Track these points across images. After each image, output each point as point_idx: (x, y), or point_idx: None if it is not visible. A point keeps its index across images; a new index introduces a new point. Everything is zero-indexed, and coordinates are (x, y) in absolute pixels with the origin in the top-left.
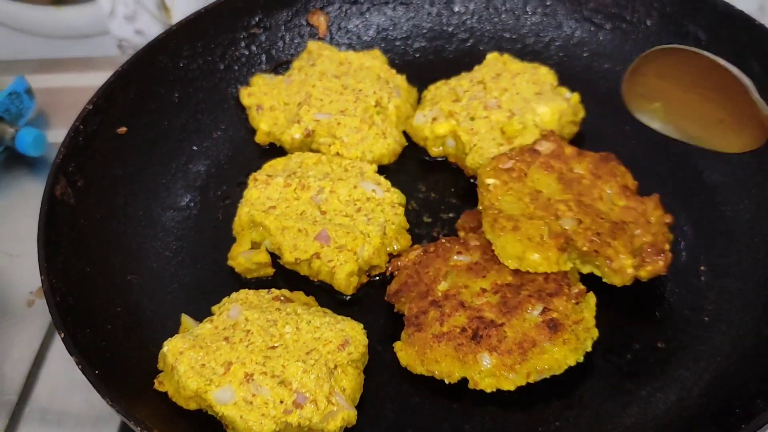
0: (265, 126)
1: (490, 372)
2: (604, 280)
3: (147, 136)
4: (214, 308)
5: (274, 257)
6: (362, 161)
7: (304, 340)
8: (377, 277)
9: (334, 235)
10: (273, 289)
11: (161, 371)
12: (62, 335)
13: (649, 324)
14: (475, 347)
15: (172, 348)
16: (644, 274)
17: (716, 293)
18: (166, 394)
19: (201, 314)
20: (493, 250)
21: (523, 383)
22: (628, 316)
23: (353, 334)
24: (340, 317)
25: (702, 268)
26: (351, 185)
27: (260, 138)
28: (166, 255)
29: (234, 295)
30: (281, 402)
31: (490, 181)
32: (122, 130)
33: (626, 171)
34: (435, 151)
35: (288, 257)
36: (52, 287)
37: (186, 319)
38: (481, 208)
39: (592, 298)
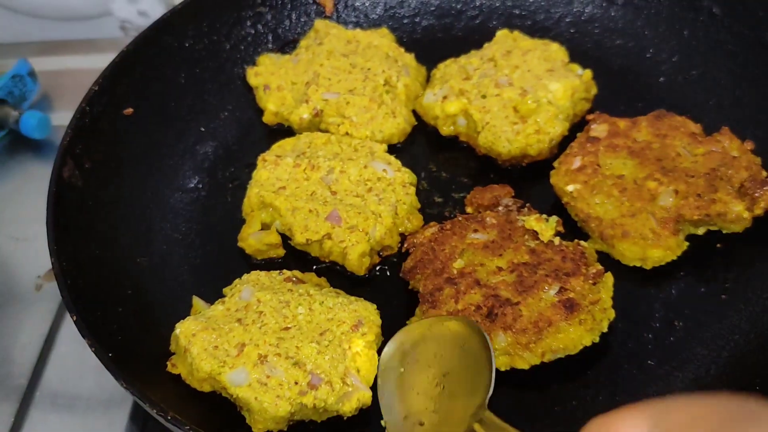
0: (273, 106)
1: (504, 350)
2: (723, 231)
3: (154, 118)
4: (226, 290)
5: (285, 238)
6: (372, 141)
7: (317, 321)
8: (388, 258)
9: (345, 215)
10: (284, 270)
11: (173, 354)
12: (74, 318)
13: (666, 303)
14: (490, 325)
15: (184, 330)
16: (759, 210)
17: (734, 272)
18: (179, 376)
19: (212, 296)
20: (510, 228)
21: (538, 362)
22: (645, 295)
23: (366, 314)
24: (353, 298)
25: (718, 245)
26: (361, 165)
27: (268, 118)
28: (175, 237)
29: (245, 276)
30: (296, 383)
31: (570, 187)
32: (128, 111)
33: (684, 118)
34: (446, 129)
35: (299, 238)
36: (62, 270)
37: (197, 302)
38: (576, 219)
39: (609, 279)
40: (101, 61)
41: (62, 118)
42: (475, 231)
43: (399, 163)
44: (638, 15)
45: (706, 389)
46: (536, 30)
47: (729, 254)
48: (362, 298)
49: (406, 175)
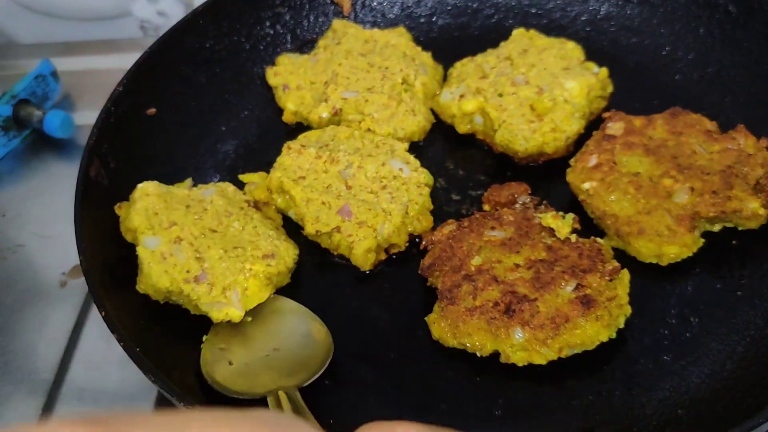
0: (292, 105)
1: (522, 346)
2: (739, 228)
3: (176, 117)
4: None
5: (298, 228)
6: (394, 138)
7: (240, 238)
8: (406, 256)
9: (356, 210)
10: (249, 195)
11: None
12: (103, 314)
13: (682, 299)
14: (508, 321)
15: (144, 187)
16: None
17: (749, 268)
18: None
19: None
20: (527, 225)
21: (555, 357)
22: (661, 291)
23: (283, 253)
24: (285, 237)
25: (734, 242)
26: (379, 162)
27: (287, 117)
28: None
29: (220, 184)
30: (187, 271)
31: (586, 185)
32: (152, 111)
33: (699, 116)
34: (463, 128)
35: (309, 229)
36: (91, 267)
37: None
38: (592, 216)
39: (626, 275)
40: (121, 60)
41: (84, 117)
42: (493, 228)
43: (417, 163)
44: (654, 13)
45: (721, 384)
46: (552, 28)
47: (744, 251)
48: (293, 242)
49: (422, 176)
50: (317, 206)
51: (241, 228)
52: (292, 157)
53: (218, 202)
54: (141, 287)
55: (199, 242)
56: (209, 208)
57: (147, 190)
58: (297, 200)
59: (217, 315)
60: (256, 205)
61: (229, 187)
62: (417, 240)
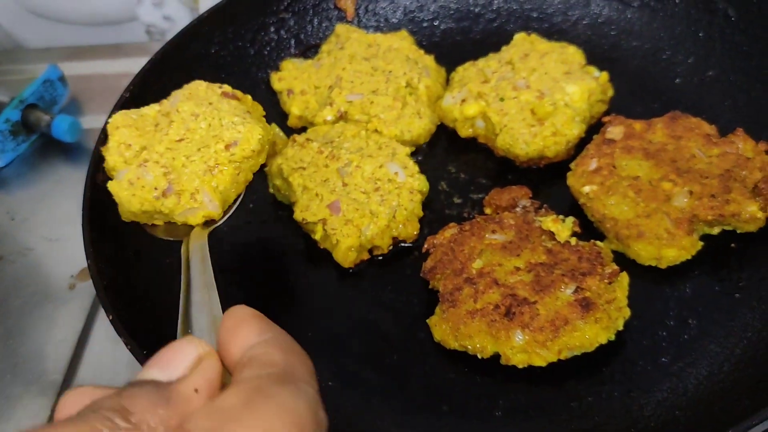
0: (297, 110)
1: (522, 348)
2: (738, 231)
3: None
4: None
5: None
6: (400, 141)
7: (206, 137)
8: (380, 257)
9: (345, 207)
10: (225, 86)
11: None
12: (110, 317)
13: (681, 301)
14: (508, 324)
15: (113, 121)
16: None
17: (747, 271)
18: None
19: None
20: (527, 229)
21: (555, 359)
22: (660, 294)
23: (247, 135)
24: (253, 120)
25: (732, 245)
26: (377, 164)
27: (292, 122)
28: None
29: (191, 84)
30: (155, 189)
31: (586, 189)
32: None
33: (699, 120)
34: (464, 132)
35: (297, 215)
36: (99, 272)
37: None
38: (592, 220)
39: (624, 278)
40: (128, 65)
41: (91, 121)
42: (494, 232)
43: (416, 168)
44: (654, 17)
45: (719, 386)
46: (553, 33)
47: (743, 254)
48: (262, 123)
49: (417, 182)
50: (310, 196)
51: (207, 126)
52: (296, 149)
53: (184, 107)
54: (123, 218)
55: (165, 158)
56: (175, 118)
57: (117, 123)
58: (294, 186)
59: (194, 220)
60: (233, 96)
61: (201, 85)
62: (401, 245)
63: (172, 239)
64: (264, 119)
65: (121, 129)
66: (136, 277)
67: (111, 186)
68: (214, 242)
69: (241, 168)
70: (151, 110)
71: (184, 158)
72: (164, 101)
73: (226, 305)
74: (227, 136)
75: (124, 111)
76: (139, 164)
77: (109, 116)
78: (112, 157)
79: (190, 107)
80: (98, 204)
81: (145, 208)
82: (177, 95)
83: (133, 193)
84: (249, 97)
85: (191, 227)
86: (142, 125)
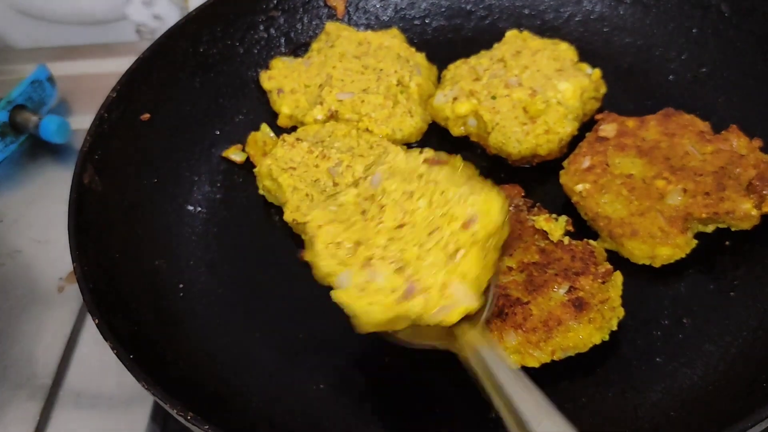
0: (287, 109)
1: (515, 349)
2: (732, 229)
3: (170, 123)
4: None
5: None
6: (392, 140)
7: (432, 218)
8: None
9: None
10: (427, 150)
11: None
12: (96, 321)
13: (675, 301)
14: (501, 324)
15: (314, 219)
16: (767, 208)
17: (742, 269)
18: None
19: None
20: (520, 228)
21: (548, 360)
22: (654, 293)
23: (484, 208)
24: (480, 186)
25: (727, 243)
26: (368, 164)
27: (282, 121)
28: (192, 239)
29: (387, 157)
30: (392, 291)
31: (579, 187)
32: (145, 117)
33: (692, 117)
34: (456, 130)
35: (287, 216)
36: (84, 274)
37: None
38: (586, 218)
39: (618, 278)
40: (118, 65)
41: (80, 122)
42: None
43: None
44: (647, 13)
45: (713, 386)
46: (545, 29)
47: (737, 252)
48: (495, 189)
49: None
50: (300, 197)
51: (428, 204)
52: (286, 149)
53: (390, 187)
54: (362, 330)
55: (390, 251)
56: (386, 201)
57: (318, 221)
58: (284, 187)
59: (453, 319)
60: (439, 160)
61: (398, 156)
62: None
63: (416, 344)
64: (490, 182)
65: (324, 227)
66: (122, 280)
67: (338, 296)
68: (205, 244)
69: (487, 247)
70: (349, 196)
71: (416, 248)
72: (361, 181)
73: (216, 308)
74: (460, 212)
75: (321, 206)
76: (362, 264)
77: (98, 118)
78: (324, 261)
79: (399, 185)
80: (84, 206)
81: (390, 315)
82: (375, 172)
83: (370, 301)
84: (458, 157)
85: (442, 327)
86: (345, 217)
